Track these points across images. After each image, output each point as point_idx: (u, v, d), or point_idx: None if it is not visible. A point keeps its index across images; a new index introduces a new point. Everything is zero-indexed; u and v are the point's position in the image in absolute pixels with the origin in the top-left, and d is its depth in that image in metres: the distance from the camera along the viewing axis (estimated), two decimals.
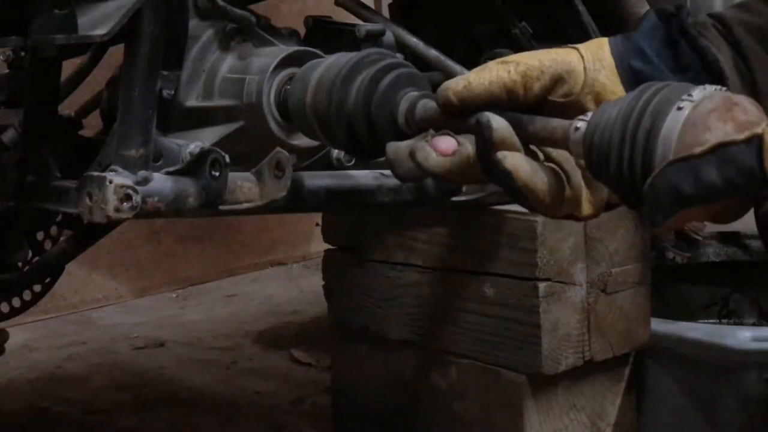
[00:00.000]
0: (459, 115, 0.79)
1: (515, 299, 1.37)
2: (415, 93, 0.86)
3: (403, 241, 1.52)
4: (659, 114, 0.69)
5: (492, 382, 1.41)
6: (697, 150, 0.64)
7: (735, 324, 1.88)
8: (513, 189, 0.75)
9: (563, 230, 1.36)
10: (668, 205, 0.66)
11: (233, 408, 1.92)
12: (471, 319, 1.43)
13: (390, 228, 1.54)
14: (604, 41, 0.83)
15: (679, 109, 0.68)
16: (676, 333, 1.48)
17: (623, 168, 0.70)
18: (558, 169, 0.79)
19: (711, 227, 1.91)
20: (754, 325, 1.87)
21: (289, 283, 2.98)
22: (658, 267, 1.77)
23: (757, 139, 0.62)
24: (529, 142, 0.78)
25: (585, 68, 0.80)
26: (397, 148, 0.82)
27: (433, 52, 1.45)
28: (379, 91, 0.86)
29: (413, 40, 1.45)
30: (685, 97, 0.69)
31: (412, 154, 0.80)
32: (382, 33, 1.22)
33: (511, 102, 0.78)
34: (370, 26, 1.23)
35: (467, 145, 0.78)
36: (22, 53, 1.25)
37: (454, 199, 1.27)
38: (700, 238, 1.86)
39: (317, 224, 1.92)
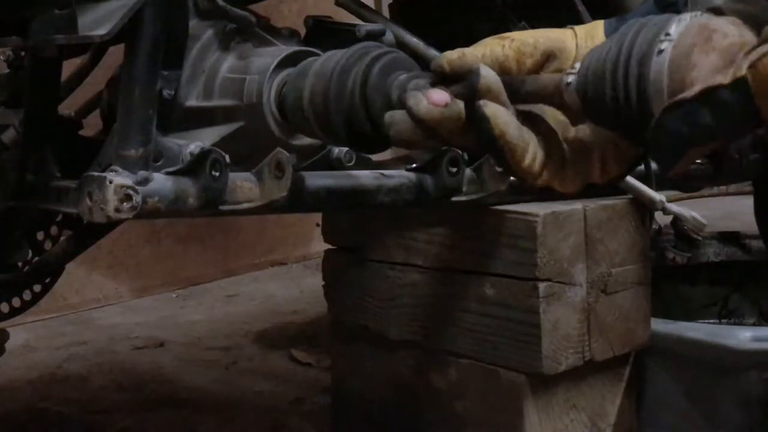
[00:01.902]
0: (450, 83, 0.81)
1: (515, 299, 1.37)
2: (405, 75, 0.89)
3: (403, 241, 1.52)
4: (644, 58, 0.70)
5: (492, 382, 1.41)
6: (689, 94, 0.65)
7: (735, 324, 1.88)
8: (490, 137, 0.76)
9: (563, 230, 1.36)
10: (673, 150, 0.67)
11: (233, 408, 1.92)
12: (471, 319, 1.43)
13: (390, 228, 1.53)
14: (599, 23, 0.85)
15: (660, 52, 0.69)
16: (676, 333, 1.48)
17: (621, 112, 0.71)
18: (547, 139, 0.80)
19: (711, 227, 1.91)
20: (754, 325, 1.87)
21: (289, 283, 2.98)
22: (658, 267, 1.77)
23: (743, 82, 0.63)
24: (524, 101, 0.79)
25: (577, 45, 0.81)
26: (394, 112, 0.85)
27: (433, 52, 1.45)
28: (372, 79, 0.88)
29: (413, 40, 1.45)
30: (663, 37, 0.69)
31: (404, 100, 0.81)
32: (382, 33, 1.22)
33: (504, 76, 0.80)
34: (370, 26, 1.23)
35: (459, 103, 0.79)
36: (22, 53, 1.25)
37: (454, 199, 1.27)
38: (700, 238, 1.86)
39: (317, 224, 1.92)
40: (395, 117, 0.83)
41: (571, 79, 0.75)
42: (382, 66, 0.90)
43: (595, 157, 0.79)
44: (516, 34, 0.82)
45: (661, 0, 0.86)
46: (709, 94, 0.65)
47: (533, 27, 1.51)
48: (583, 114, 0.76)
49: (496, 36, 0.82)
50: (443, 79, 0.82)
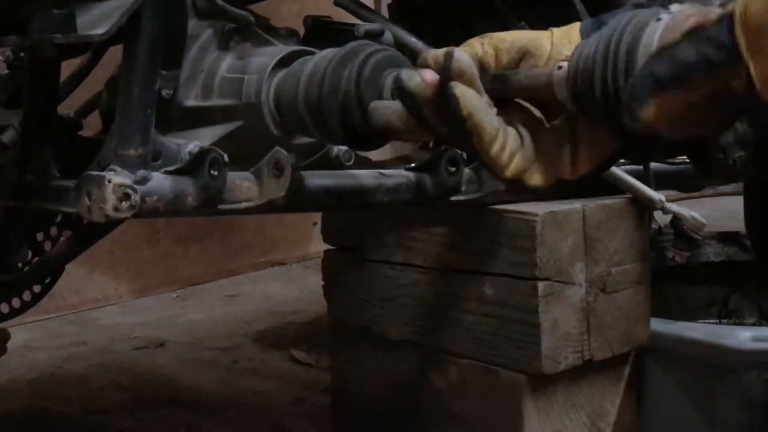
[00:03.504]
0: None
1: (515, 299, 1.37)
2: (397, 71, 0.89)
3: (402, 241, 1.52)
4: (640, 29, 0.71)
5: (492, 382, 1.41)
6: (674, 36, 0.66)
7: (735, 324, 1.88)
8: (458, 118, 0.77)
9: (562, 229, 1.36)
10: (644, 91, 0.68)
11: (233, 408, 1.92)
12: (471, 319, 1.43)
13: (390, 228, 1.54)
14: (576, 24, 0.86)
15: (658, 20, 0.70)
16: (676, 333, 1.48)
17: (607, 84, 0.72)
18: (518, 129, 0.81)
19: (711, 227, 1.91)
20: (754, 325, 1.87)
21: (289, 283, 2.98)
22: (658, 267, 1.77)
23: (728, 17, 0.64)
24: (515, 95, 0.80)
25: (552, 43, 0.83)
26: (378, 101, 0.89)
27: None
28: (365, 76, 0.89)
29: (413, 40, 1.45)
30: (662, 11, 0.71)
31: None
32: (381, 33, 1.22)
33: (483, 72, 0.82)
34: (369, 26, 1.23)
35: None
36: (22, 53, 1.25)
37: (454, 199, 1.27)
38: (700, 238, 1.86)
39: (317, 224, 1.92)
40: (379, 104, 0.87)
41: (563, 63, 0.76)
42: (375, 63, 0.91)
43: (566, 152, 0.80)
44: (495, 34, 0.86)
45: (644, 3, 0.88)
46: (694, 31, 0.66)
47: (533, 27, 1.52)
48: (573, 104, 0.76)
49: (479, 36, 0.85)
50: None
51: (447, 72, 0.78)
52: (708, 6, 0.70)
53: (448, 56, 0.78)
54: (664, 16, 0.71)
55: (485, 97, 0.79)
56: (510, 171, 0.80)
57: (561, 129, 0.80)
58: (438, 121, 0.81)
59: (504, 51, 0.82)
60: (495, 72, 0.82)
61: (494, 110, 0.79)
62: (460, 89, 0.77)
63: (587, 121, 0.78)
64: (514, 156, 0.79)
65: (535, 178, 0.81)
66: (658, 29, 0.70)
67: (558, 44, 0.83)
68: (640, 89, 0.69)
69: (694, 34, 0.66)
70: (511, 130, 0.80)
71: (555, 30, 0.86)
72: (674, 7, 0.71)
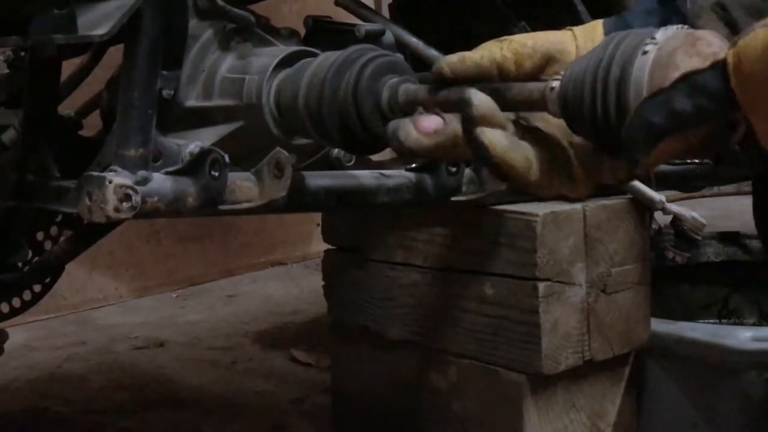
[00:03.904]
0: (451, 86, 0.82)
1: (515, 299, 1.37)
2: (396, 79, 0.90)
3: (403, 241, 1.52)
4: (627, 61, 0.70)
5: (492, 382, 1.41)
6: (667, 83, 0.66)
7: (735, 324, 1.88)
8: (491, 163, 0.77)
9: (563, 230, 1.36)
10: (644, 140, 0.68)
11: (233, 408, 1.92)
12: (471, 319, 1.43)
13: (390, 228, 1.53)
14: (598, 22, 0.85)
15: (645, 53, 0.69)
16: (676, 333, 1.48)
17: (598, 117, 0.72)
18: (551, 147, 0.80)
19: (711, 227, 1.91)
20: (754, 325, 1.87)
21: (289, 283, 2.98)
22: (658, 267, 1.77)
23: (721, 64, 0.64)
24: (509, 109, 0.79)
25: (577, 47, 0.81)
26: (397, 122, 0.84)
27: (433, 52, 1.45)
28: (363, 81, 0.89)
29: (413, 40, 1.45)
30: (648, 40, 0.70)
31: (393, 132, 0.81)
32: (381, 33, 1.22)
33: (503, 78, 0.80)
34: (369, 26, 1.23)
35: (454, 122, 0.80)
36: (22, 53, 1.25)
37: (454, 199, 1.27)
38: (700, 238, 1.86)
39: (317, 224, 1.92)
40: (398, 129, 0.83)
41: (555, 83, 0.75)
42: (374, 68, 0.91)
43: (605, 161, 0.79)
44: (515, 37, 0.82)
45: None
46: (686, 78, 0.65)
47: (533, 27, 1.52)
48: (563, 118, 0.76)
49: (496, 39, 0.82)
50: (444, 82, 0.83)
51: (468, 122, 0.77)
52: (695, 33, 0.69)
53: (465, 103, 0.76)
54: (650, 48, 0.70)
55: (510, 127, 0.78)
56: (552, 191, 0.79)
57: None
58: (457, 156, 0.81)
59: (526, 57, 0.80)
60: (491, 85, 0.80)
61: (522, 144, 0.78)
62: (486, 136, 0.76)
63: None
64: (552, 175, 0.79)
65: (577, 189, 0.80)
66: (647, 65, 0.69)
67: (583, 47, 0.80)
68: (640, 139, 0.68)
69: (686, 81, 0.65)
70: (542, 148, 0.79)
71: (577, 30, 0.83)
72: (659, 35, 0.70)
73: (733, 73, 0.63)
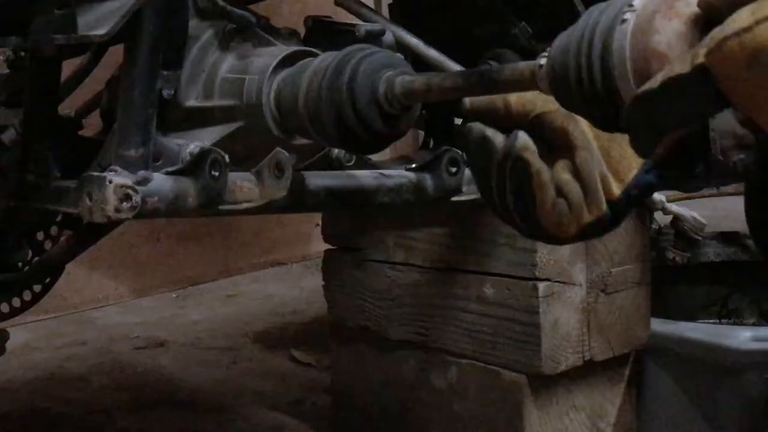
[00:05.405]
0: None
1: (515, 299, 1.37)
2: (391, 72, 0.91)
3: (403, 241, 1.52)
4: (608, 32, 0.70)
5: (492, 382, 1.41)
6: (653, 84, 0.66)
7: (735, 324, 1.88)
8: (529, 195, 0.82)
9: None
10: (649, 138, 0.69)
11: (233, 408, 1.92)
12: (471, 319, 1.43)
13: (390, 228, 1.54)
14: None
15: (624, 21, 0.69)
16: (676, 333, 1.48)
17: (585, 93, 0.72)
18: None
19: (711, 227, 1.91)
20: (754, 325, 1.87)
21: (289, 283, 2.99)
22: (658, 267, 1.77)
23: (703, 69, 0.63)
24: (501, 90, 0.81)
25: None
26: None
27: (433, 52, 1.45)
28: (360, 75, 0.89)
29: (413, 40, 1.45)
30: (626, 8, 0.70)
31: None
32: (382, 33, 1.22)
33: (507, 113, 0.86)
34: (370, 26, 1.23)
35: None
36: (22, 53, 1.25)
37: (454, 199, 1.27)
38: (700, 238, 1.86)
39: (317, 224, 1.92)
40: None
41: (543, 61, 0.76)
42: (369, 63, 0.91)
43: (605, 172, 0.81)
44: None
45: None
46: (672, 84, 0.65)
47: (533, 27, 1.52)
48: (554, 97, 0.76)
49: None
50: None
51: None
52: None
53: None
54: (629, 16, 0.70)
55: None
56: (571, 234, 0.82)
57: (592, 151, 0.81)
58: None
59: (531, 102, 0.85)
60: (479, 70, 0.82)
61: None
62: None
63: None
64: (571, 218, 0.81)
65: (585, 217, 0.82)
66: (627, 34, 0.69)
67: None
68: (645, 138, 0.69)
69: (672, 87, 0.65)
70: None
71: None
72: (637, 2, 0.70)
73: (719, 77, 0.63)
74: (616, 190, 0.80)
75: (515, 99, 0.84)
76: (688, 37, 0.67)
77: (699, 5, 0.67)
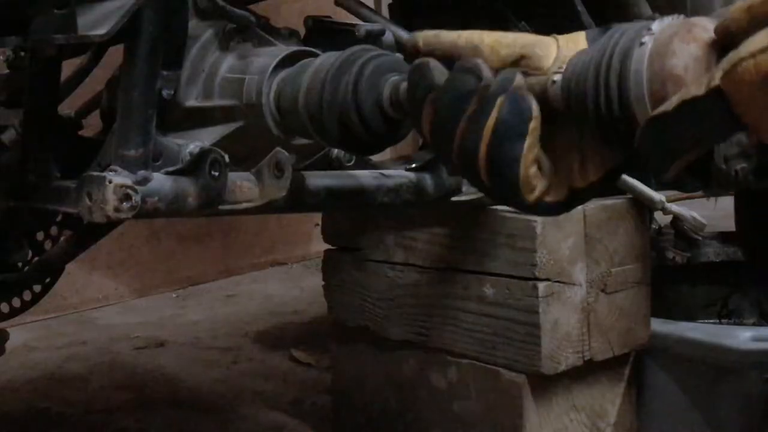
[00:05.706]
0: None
1: (515, 299, 1.37)
2: (397, 77, 0.90)
3: (403, 241, 1.52)
4: (626, 54, 0.71)
5: (492, 382, 1.41)
6: (670, 107, 0.66)
7: (735, 324, 1.88)
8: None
9: (563, 230, 1.36)
10: (664, 161, 0.69)
11: (233, 408, 1.92)
12: (471, 319, 1.43)
13: (390, 228, 1.54)
14: (581, 33, 0.85)
15: (642, 44, 0.70)
16: (676, 333, 1.48)
17: (601, 112, 0.72)
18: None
19: (711, 227, 1.91)
20: (754, 325, 1.87)
21: (289, 283, 2.99)
22: (658, 267, 1.77)
23: (718, 92, 0.63)
24: None
25: (558, 47, 0.81)
26: None
27: None
28: (364, 80, 0.89)
29: None
30: (644, 32, 0.71)
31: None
32: (382, 33, 1.22)
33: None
34: (369, 26, 1.23)
35: None
36: (22, 53, 1.25)
37: (454, 199, 1.27)
38: (700, 238, 1.86)
39: (317, 224, 1.92)
40: None
41: (556, 78, 0.76)
42: (374, 67, 0.91)
43: (575, 159, 0.79)
44: (499, 32, 0.83)
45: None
46: (687, 106, 0.65)
47: (533, 27, 1.52)
48: (567, 114, 0.76)
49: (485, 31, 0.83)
50: (412, 57, 0.83)
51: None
52: (690, 20, 0.70)
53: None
54: (647, 39, 0.70)
55: None
56: (536, 194, 0.78)
57: (569, 135, 0.79)
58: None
59: (504, 45, 0.79)
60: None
61: None
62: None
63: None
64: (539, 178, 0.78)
65: (554, 192, 0.79)
66: (645, 56, 0.69)
67: (564, 48, 0.81)
68: (660, 160, 0.69)
69: (687, 109, 0.65)
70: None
71: (560, 36, 0.84)
72: (656, 26, 0.71)
73: (733, 101, 0.63)
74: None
75: (490, 43, 0.80)
76: (705, 62, 0.67)
77: (716, 31, 0.67)
